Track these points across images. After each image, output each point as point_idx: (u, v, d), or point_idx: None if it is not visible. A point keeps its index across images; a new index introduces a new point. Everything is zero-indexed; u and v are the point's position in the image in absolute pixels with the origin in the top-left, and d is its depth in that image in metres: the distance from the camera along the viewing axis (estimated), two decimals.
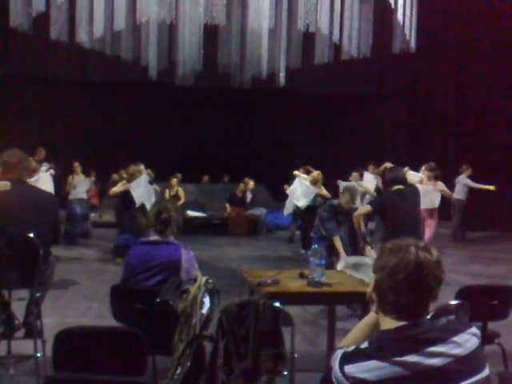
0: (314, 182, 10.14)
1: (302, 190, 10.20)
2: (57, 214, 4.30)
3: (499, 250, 11.44)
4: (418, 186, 6.42)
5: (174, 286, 3.46)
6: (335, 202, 6.69)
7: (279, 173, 13.42)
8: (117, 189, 9.46)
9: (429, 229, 8.32)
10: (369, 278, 5.15)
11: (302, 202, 10.19)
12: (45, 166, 9.00)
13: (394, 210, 5.36)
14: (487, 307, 3.91)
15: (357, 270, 4.98)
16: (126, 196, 9.13)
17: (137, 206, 9.10)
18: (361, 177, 10.10)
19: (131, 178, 9.30)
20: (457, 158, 14.16)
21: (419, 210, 5.84)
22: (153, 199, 9.93)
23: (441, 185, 8.62)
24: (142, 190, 9.33)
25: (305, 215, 10.37)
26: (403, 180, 5.59)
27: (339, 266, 5.41)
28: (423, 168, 8.82)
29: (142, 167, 10.00)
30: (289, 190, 10.52)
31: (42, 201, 4.11)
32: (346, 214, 6.29)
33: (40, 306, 4.13)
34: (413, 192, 5.65)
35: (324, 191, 10.22)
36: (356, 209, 6.27)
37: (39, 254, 3.76)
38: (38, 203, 4.02)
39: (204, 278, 3.59)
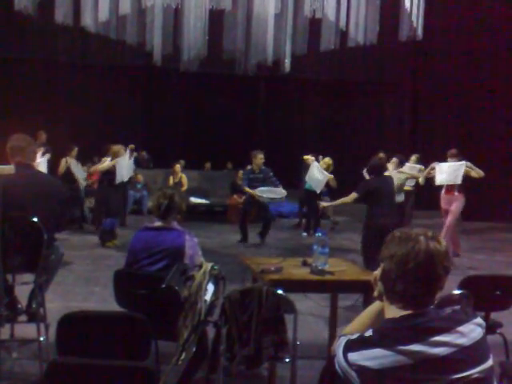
0: (326, 168, 10.43)
1: (317, 175, 10.29)
2: (63, 201, 4.28)
3: (502, 240, 11.43)
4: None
5: (180, 272, 3.46)
6: (249, 167, 9.94)
7: (283, 160, 13.39)
8: (105, 165, 9.47)
9: (458, 202, 8.75)
10: (274, 194, 9.37)
11: (320, 188, 10.37)
12: (40, 151, 8.98)
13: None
14: (490, 297, 3.91)
15: (269, 192, 9.28)
16: (112, 179, 9.23)
17: (116, 183, 9.29)
18: (401, 164, 9.43)
19: (115, 155, 9.40)
20: (460, 147, 14.11)
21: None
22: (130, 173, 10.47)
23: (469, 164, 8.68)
24: (125, 166, 9.68)
25: (308, 201, 10.76)
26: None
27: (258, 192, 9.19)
28: (413, 158, 10.34)
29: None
30: (308, 177, 10.51)
31: (49, 186, 4.10)
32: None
33: (44, 292, 4.13)
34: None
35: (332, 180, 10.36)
36: None
37: (43, 239, 3.75)
38: (44, 188, 4.01)
39: (209, 265, 3.60)
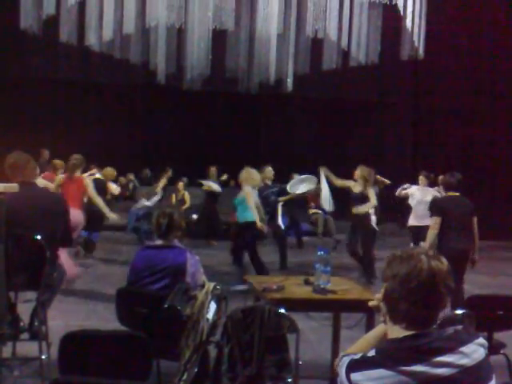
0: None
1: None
2: (67, 218, 4.27)
3: (505, 259, 11.36)
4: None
5: (182, 291, 3.46)
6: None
7: (285, 178, 13.40)
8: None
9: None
10: (310, 185, 9.11)
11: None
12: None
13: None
14: (493, 317, 3.89)
15: (303, 182, 9.19)
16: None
17: None
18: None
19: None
20: (461, 166, 14.13)
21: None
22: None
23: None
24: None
25: None
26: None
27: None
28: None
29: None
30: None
31: (52, 203, 4.11)
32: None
33: (47, 310, 4.12)
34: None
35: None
36: None
37: (46, 256, 3.76)
38: (46, 206, 4.02)
39: (212, 284, 3.60)
